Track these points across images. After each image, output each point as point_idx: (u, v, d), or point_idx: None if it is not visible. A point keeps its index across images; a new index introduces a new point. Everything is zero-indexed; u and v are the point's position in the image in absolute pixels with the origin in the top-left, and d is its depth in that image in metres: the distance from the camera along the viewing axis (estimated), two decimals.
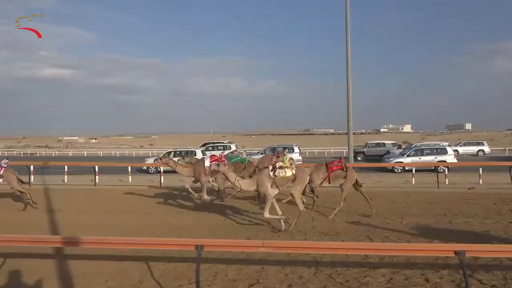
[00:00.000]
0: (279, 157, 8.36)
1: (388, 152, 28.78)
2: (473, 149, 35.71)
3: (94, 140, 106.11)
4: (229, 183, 8.80)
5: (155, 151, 46.99)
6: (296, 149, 26.28)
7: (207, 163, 10.46)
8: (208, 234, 7.91)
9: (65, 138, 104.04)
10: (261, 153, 24.18)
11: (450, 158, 21.47)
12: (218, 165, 8.41)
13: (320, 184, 9.74)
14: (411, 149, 24.24)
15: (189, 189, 11.40)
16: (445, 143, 26.98)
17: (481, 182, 15.01)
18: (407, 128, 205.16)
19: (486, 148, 36.02)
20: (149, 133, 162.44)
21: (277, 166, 8.11)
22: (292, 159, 9.12)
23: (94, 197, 13.21)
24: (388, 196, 12.28)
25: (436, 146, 23.74)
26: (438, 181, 14.66)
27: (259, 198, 10.86)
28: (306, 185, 8.60)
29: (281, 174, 8.08)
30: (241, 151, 14.05)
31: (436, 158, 21.43)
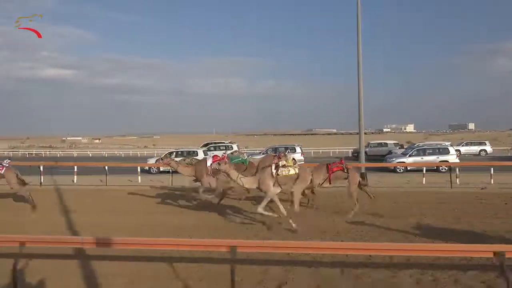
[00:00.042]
0: (280, 158, 8.42)
1: (390, 152, 28.81)
2: (475, 149, 35.64)
3: (97, 141, 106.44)
4: (232, 182, 8.86)
5: (158, 152, 47.03)
6: (298, 149, 26.24)
7: (209, 163, 10.46)
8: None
9: (69, 138, 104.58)
10: (263, 153, 24.13)
11: (452, 158, 21.44)
12: (219, 163, 8.47)
13: (321, 184, 9.77)
14: (413, 149, 24.20)
15: (201, 194, 10.68)
16: (447, 143, 26.99)
17: (492, 182, 14.97)
18: (410, 128, 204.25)
19: (488, 148, 35.95)
20: (151, 133, 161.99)
21: (280, 165, 8.17)
22: (294, 159, 9.17)
23: (104, 197, 13.21)
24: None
25: (438, 146, 23.71)
26: (451, 181, 14.72)
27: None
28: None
29: (284, 173, 8.14)
30: (242, 152, 14.00)
31: (438, 158, 21.44)
